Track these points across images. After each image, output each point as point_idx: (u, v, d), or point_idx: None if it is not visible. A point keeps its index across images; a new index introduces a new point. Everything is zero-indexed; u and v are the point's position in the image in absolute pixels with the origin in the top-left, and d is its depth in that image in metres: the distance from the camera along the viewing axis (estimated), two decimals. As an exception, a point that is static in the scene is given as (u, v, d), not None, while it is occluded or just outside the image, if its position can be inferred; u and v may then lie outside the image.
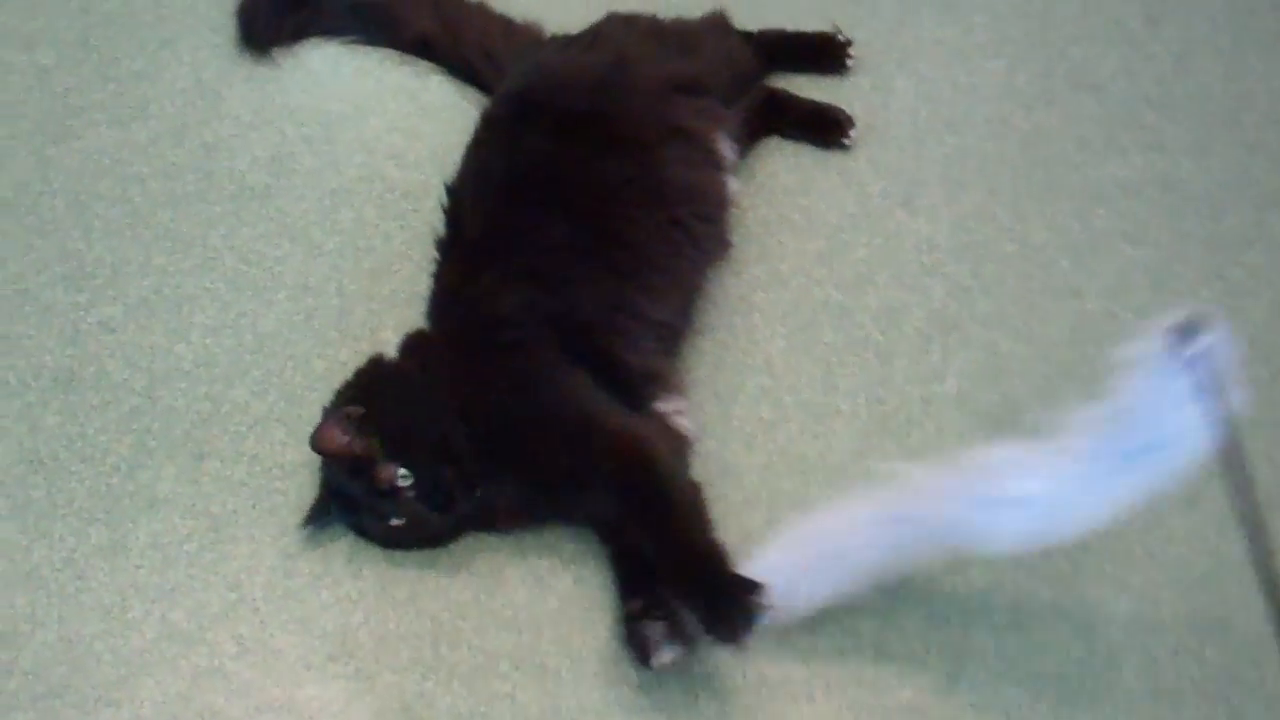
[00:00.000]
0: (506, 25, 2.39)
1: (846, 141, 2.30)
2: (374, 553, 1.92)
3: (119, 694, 1.83)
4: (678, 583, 1.74)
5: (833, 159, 2.30)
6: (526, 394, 1.87)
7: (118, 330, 2.12)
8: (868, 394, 2.07)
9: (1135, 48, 2.44)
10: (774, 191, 2.27)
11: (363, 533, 1.90)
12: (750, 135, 2.27)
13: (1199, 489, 1.86)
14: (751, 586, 1.66)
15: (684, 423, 1.96)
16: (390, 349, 2.03)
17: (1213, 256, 2.20)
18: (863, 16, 2.46)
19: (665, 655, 1.74)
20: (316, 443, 1.81)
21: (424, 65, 2.42)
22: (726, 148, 2.17)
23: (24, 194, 2.27)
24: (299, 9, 2.43)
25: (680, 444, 1.94)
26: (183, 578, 1.92)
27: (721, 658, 1.83)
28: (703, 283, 2.12)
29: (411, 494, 1.82)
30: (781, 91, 2.33)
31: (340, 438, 1.80)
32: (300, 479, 1.98)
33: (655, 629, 1.75)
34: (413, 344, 1.97)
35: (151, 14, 2.48)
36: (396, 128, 2.34)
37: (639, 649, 1.76)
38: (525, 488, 1.87)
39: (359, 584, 1.91)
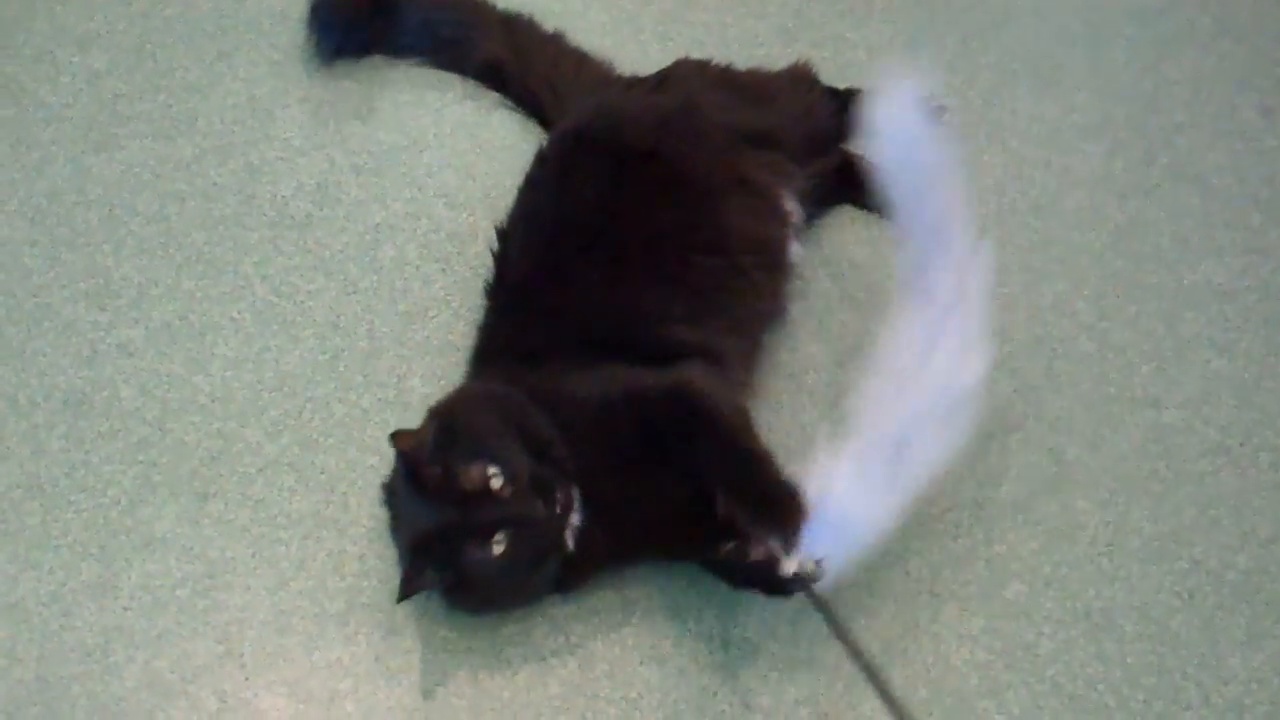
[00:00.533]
0: (579, 60, 2.28)
1: None
2: (371, 619, 1.83)
3: (89, 744, 1.72)
4: (732, 488, 1.68)
5: (906, 235, 2.15)
6: (573, 396, 1.76)
7: (136, 355, 2.03)
8: (918, 494, 1.91)
9: (1247, 141, 2.28)
10: (840, 265, 2.14)
11: (464, 581, 1.71)
12: (821, 200, 2.14)
13: (1263, 628, 1.74)
14: (796, 489, 1.63)
15: None
16: (417, 397, 1.98)
17: (1309, 375, 2.03)
18: (957, 84, 2.33)
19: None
20: (401, 440, 1.69)
21: (486, 102, 2.30)
22: (793, 206, 2.03)
23: (58, 203, 2.18)
24: (375, 19, 2.32)
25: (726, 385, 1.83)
26: (171, 624, 1.83)
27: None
28: (759, 342, 2.00)
29: (509, 492, 1.64)
30: (861, 157, 2.18)
31: (422, 438, 1.69)
32: (304, 529, 1.89)
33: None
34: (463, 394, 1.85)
35: (213, 24, 2.39)
36: (450, 165, 2.23)
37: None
38: (608, 488, 1.72)
39: (352, 649, 1.80)
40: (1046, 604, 1.85)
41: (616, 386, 1.74)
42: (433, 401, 1.84)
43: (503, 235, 1.97)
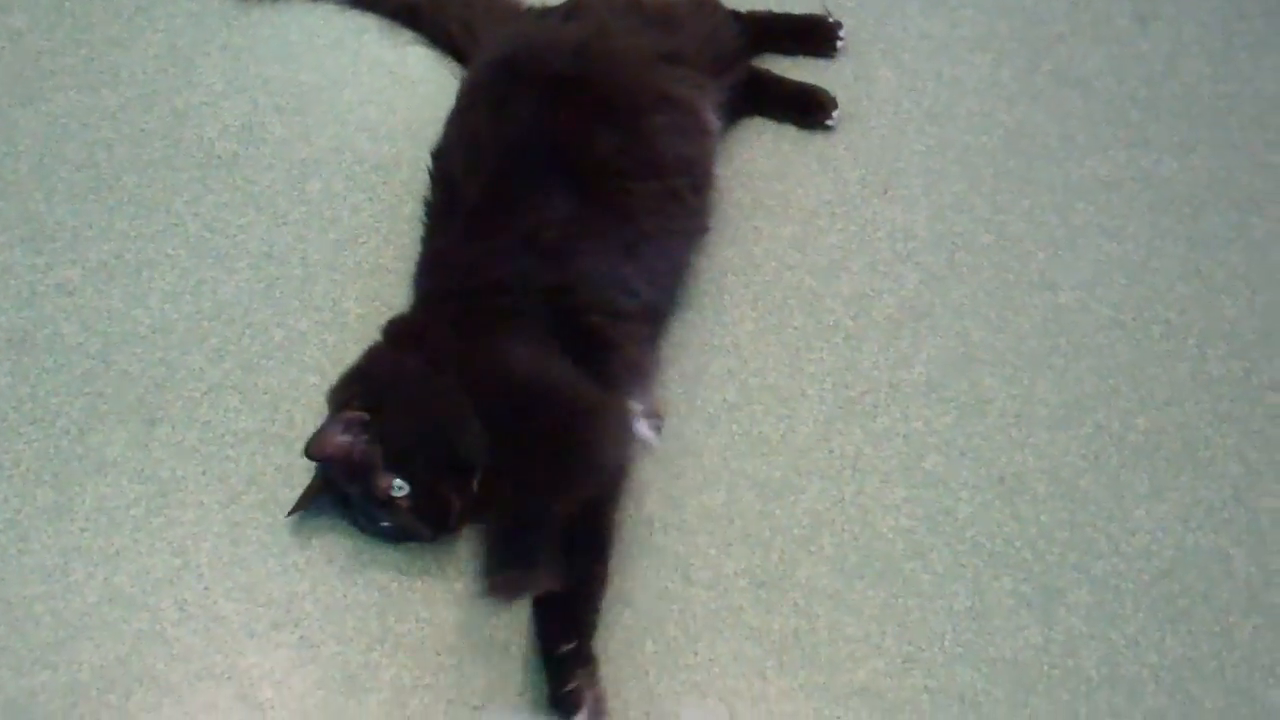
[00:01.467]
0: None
1: (830, 122, 2.27)
2: (323, 523, 1.89)
3: (56, 657, 1.79)
4: (509, 522, 1.70)
5: (812, 145, 2.26)
6: (505, 363, 1.82)
7: (75, 293, 2.08)
8: (835, 379, 2.03)
9: (1123, 46, 2.40)
10: (751, 176, 2.23)
11: (353, 524, 1.84)
12: (732, 113, 2.24)
13: (1164, 481, 1.84)
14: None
15: (648, 432, 1.93)
16: (353, 318, 2.03)
17: (1191, 254, 2.17)
18: (850, 6, 2.42)
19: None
20: (315, 448, 1.74)
21: (402, 39, 2.37)
22: (712, 119, 2.12)
23: (-12, 155, 2.22)
24: None
25: (633, 444, 1.90)
26: (128, 542, 1.88)
27: (674, 632, 1.79)
28: (689, 262, 2.08)
29: (406, 504, 1.75)
30: (765, 71, 2.29)
31: (341, 442, 1.75)
32: (252, 446, 1.95)
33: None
34: (402, 330, 1.90)
35: (128, -20, 2.44)
36: (370, 100, 2.30)
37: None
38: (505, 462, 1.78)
39: (307, 553, 1.87)
40: (962, 472, 1.95)
41: (545, 383, 1.81)
42: (368, 321, 1.97)
43: (440, 160, 2.04)
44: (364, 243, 2.14)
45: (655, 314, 1.99)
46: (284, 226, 2.16)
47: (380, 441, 1.75)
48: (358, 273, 2.11)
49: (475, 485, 1.77)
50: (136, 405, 1.98)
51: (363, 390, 1.80)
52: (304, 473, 1.89)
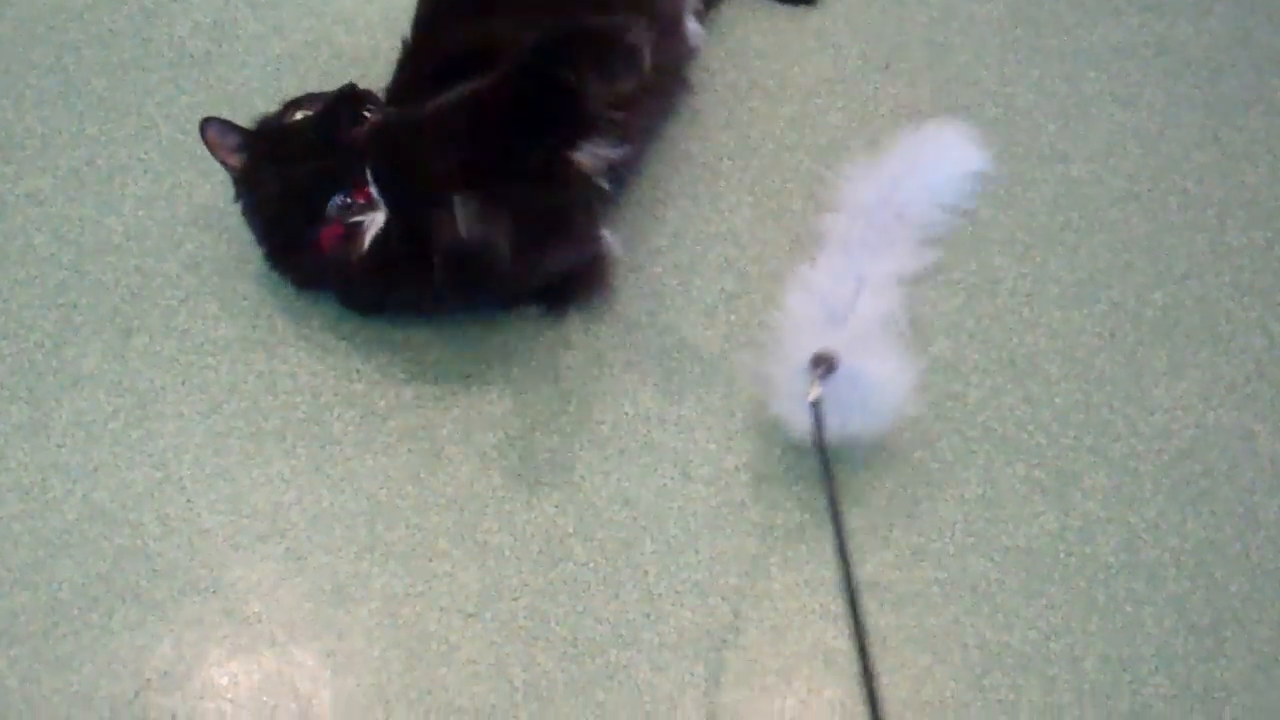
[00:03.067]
0: None
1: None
2: (307, 430, 1.83)
3: (36, 576, 1.74)
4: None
5: (809, 21, 2.18)
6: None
7: (45, 202, 2.01)
8: (837, 264, 1.94)
9: (1135, -96, 2.29)
10: (745, 56, 2.14)
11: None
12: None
13: (1183, 358, 1.76)
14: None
15: (614, 245, 1.87)
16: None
17: (1209, 120, 2.08)
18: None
19: None
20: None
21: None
22: (693, 29, 2.05)
23: (-50, 63, 2.14)
24: None
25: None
26: (107, 456, 1.81)
27: (673, 534, 1.75)
28: (657, 119, 2.01)
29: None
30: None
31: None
32: (232, 354, 1.89)
33: None
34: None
35: (90, -123, 2.34)
36: (345, -9, 2.20)
37: None
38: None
39: (292, 462, 1.80)
40: (972, 356, 1.88)
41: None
42: None
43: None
44: (344, 140, 2.04)
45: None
46: (260, 126, 2.06)
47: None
48: (339, 171, 2.01)
49: None
50: (112, 315, 1.92)
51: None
52: (288, 380, 1.86)
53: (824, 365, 1.66)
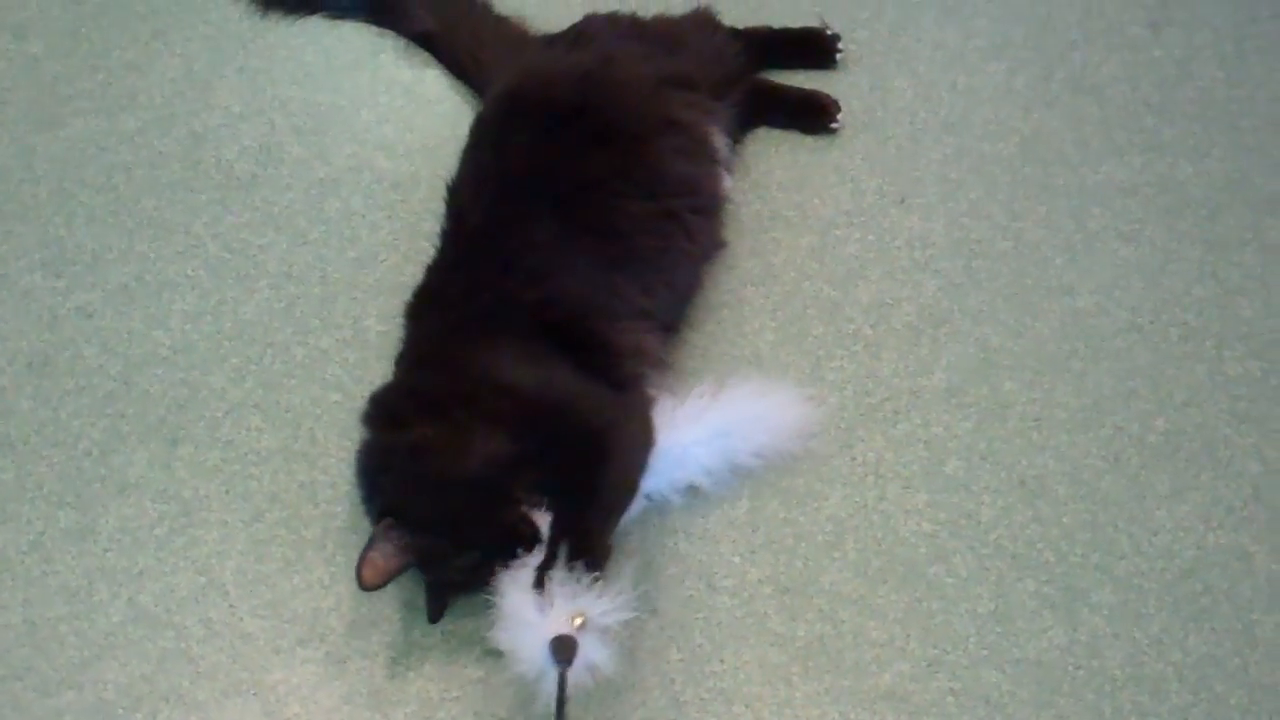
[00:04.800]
0: (498, 23, 2.36)
1: (834, 125, 2.28)
2: (347, 539, 1.90)
3: (82, 677, 1.80)
4: (580, 524, 1.74)
5: (829, 157, 2.27)
6: (507, 380, 1.82)
7: (95, 316, 2.10)
8: (855, 386, 2.04)
9: (1136, 52, 2.41)
10: (769, 188, 2.24)
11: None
12: (741, 128, 2.25)
13: (1184, 482, 1.83)
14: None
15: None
16: (373, 335, 2.07)
17: (1208, 256, 2.17)
18: (865, 18, 2.43)
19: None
20: (365, 577, 1.69)
21: (418, 59, 2.39)
22: (720, 141, 2.14)
23: (6, 180, 2.25)
24: None
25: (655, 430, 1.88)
26: (151, 561, 1.89)
27: (699, 640, 1.81)
28: (697, 280, 2.09)
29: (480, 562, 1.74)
30: (767, 81, 2.32)
31: (391, 559, 1.71)
32: (274, 465, 1.96)
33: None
34: (389, 405, 1.88)
35: (144, 5, 2.46)
36: (388, 120, 2.31)
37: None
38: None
39: (331, 569, 1.88)
40: (984, 476, 1.96)
41: (558, 392, 1.82)
42: (388, 338, 2.02)
43: (452, 194, 2.05)
44: (384, 260, 2.15)
45: (656, 319, 1.99)
46: (303, 246, 2.17)
47: (425, 529, 1.73)
48: (378, 290, 2.12)
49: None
50: (158, 426, 1.99)
51: (383, 496, 1.78)
52: (328, 490, 1.93)
53: (565, 651, 1.62)
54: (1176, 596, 1.88)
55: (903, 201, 2.22)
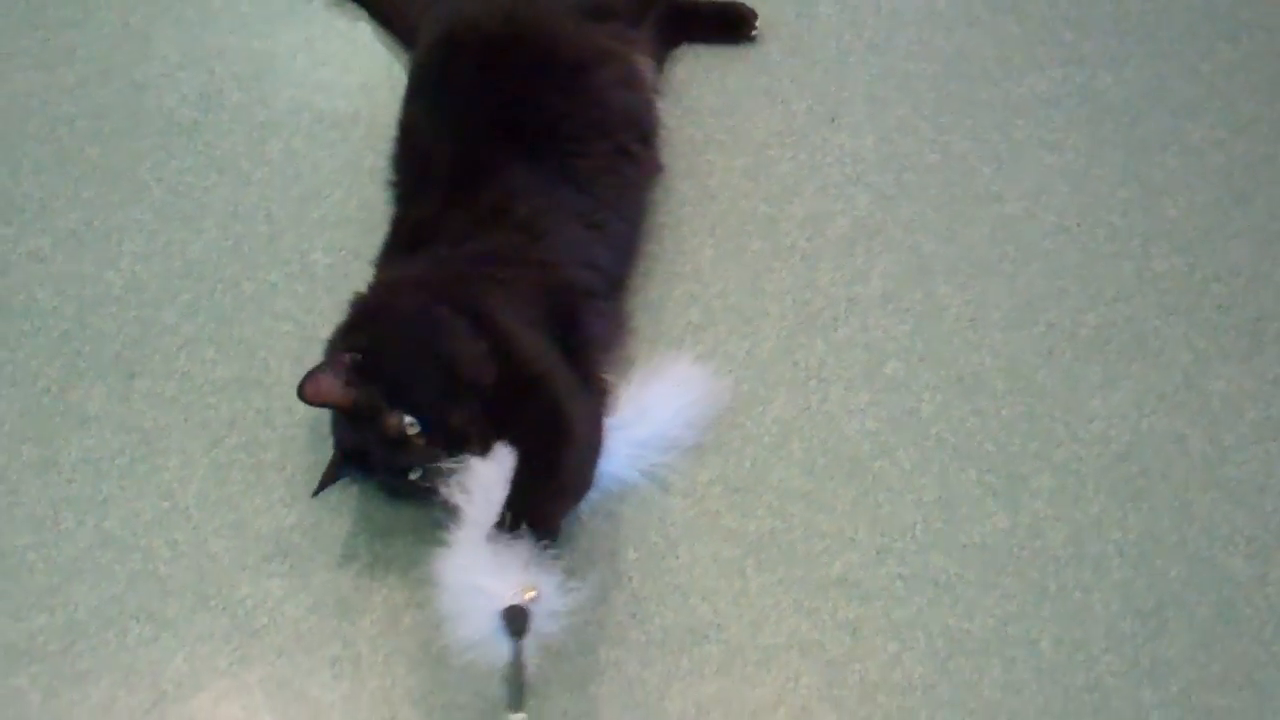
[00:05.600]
0: None
1: (754, 33, 2.36)
2: (307, 459, 1.94)
3: (53, 600, 1.84)
4: (534, 488, 1.72)
5: (759, 82, 2.33)
6: (505, 336, 1.83)
7: (46, 260, 2.13)
8: (794, 296, 2.09)
9: (1053, -28, 2.48)
10: (701, 113, 2.30)
11: (385, 488, 1.87)
12: (663, 49, 2.32)
13: (1117, 371, 1.90)
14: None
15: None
16: (321, 269, 2.10)
17: (1129, 160, 2.24)
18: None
19: None
20: (306, 391, 1.70)
21: (350, 8, 2.42)
22: (648, 68, 2.20)
23: (-50, 136, 2.27)
24: None
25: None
26: (115, 489, 1.92)
27: (654, 539, 1.87)
28: (646, 212, 2.16)
29: (422, 441, 1.74)
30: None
31: (332, 386, 1.72)
32: (230, 393, 2.00)
33: None
34: (394, 284, 1.93)
35: (78, -37, 2.49)
36: (324, 63, 2.36)
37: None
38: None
39: (292, 489, 1.92)
40: (923, 375, 2.02)
41: (545, 362, 1.84)
42: (335, 270, 2.08)
43: (405, 136, 2.11)
44: (327, 196, 2.19)
45: (620, 286, 2.05)
46: (248, 186, 2.21)
47: (379, 380, 1.74)
48: (323, 225, 2.16)
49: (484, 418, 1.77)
50: (114, 361, 2.03)
51: (352, 334, 1.82)
52: (284, 415, 1.95)
53: (518, 623, 1.60)
54: (1114, 479, 1.94)
55: (832, 120, 2.28)
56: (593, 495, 1.83)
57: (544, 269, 1.92)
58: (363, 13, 2.44)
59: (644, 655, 1.80)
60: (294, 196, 2.19)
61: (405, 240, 1.99)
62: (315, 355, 1.90)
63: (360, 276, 2.03)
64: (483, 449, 1.73)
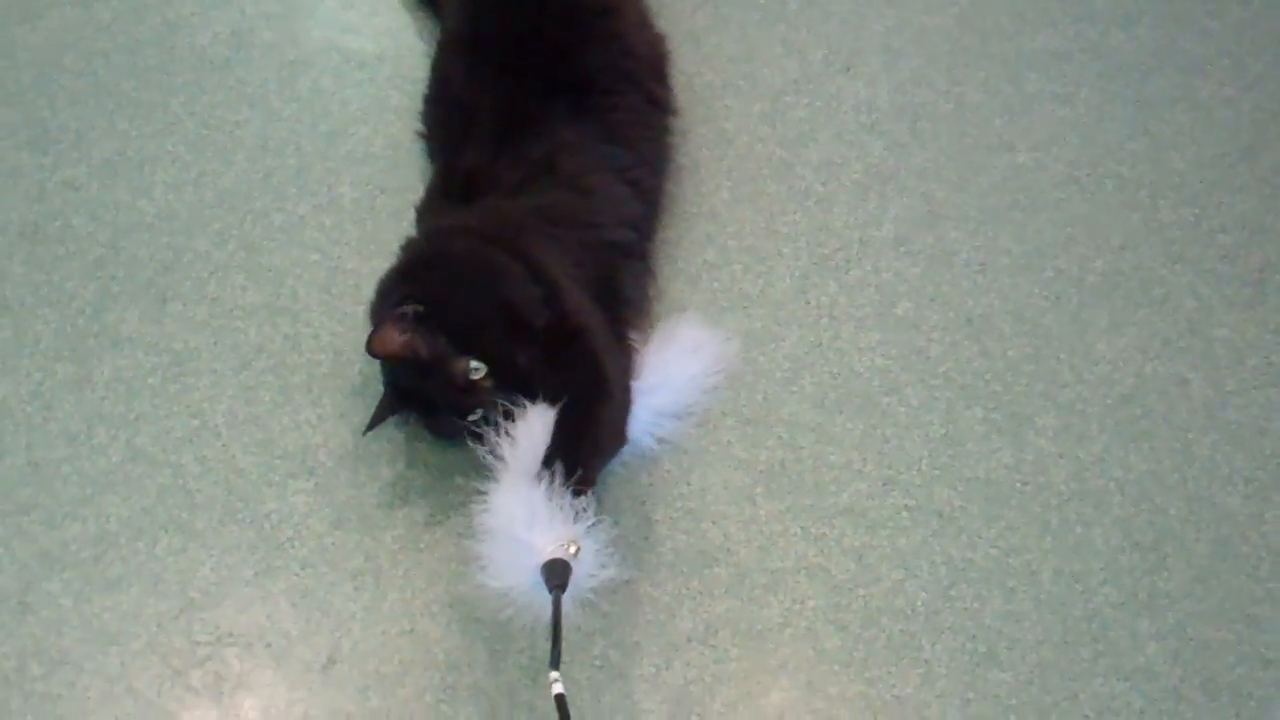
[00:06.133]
0: None
1: None
2: (332, 383, 2.00)
3: (85, 510, 1.90)
4: (570, 442, 1.76)
5: (777, 30, 2.38)
6: (556, 281, 1.88)
7: (82, 189, 2.18)
8: (808, 238, 2.15)
9: (1067, -68, 2.53)
10: (719, 60, 2.35)
11: (439, 434, 1.91)
12: None
13: (1123, 317, 1.96)
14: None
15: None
16: (348, 201, 2.16)
17: (1139, 115, 2.29)
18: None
19: None
20: (375, 347, 1.74)
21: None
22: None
23: (-9, 68, 2.33)
24: None
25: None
26: (147, 408, 1.98)
27: (668, 466, 1.93)
28: (672, 167, 2.21)
29: (489, 384, 1.78)
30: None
31: (399, 338, 1.75)
32: (259, 318, 2.06)
33: None
34: (452, 230, 1.96)
35: (114, -96, 2.54)
36: (352, 6, 2.41)
37: None
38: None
39: (318, 410, 1.97)
40: (932, 316, 2.07)
41: (592, 320, 1.88)
42: (361, 204, 2.15)
43: (441, 82, 2.16)
44: (354, 133, 2.25)
45: (651, 242, 2.10)
46: (278, 122, 2.26)
47: (443, 330, 1.78)
48: (350, 160, 2.22)
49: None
50: (147, 286, 2.09)
51: (410, 283, 1.85)
52: (311, 341, 2.02)
53: (558, 576, 1.63)
54: (1118, 419, 1.99)
55: (848, 70, 2.34)
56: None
57: (590, 229, 1.96)
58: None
59: (655, 576, 1.86)
60: (322, 132, 2.24)
61: (459, 189, 2.01)
62: (341, 285, 2.00)
63: (385, 210, 2.14)
64: (545, 392, 1.78)
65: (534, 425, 1.75)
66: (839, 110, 2.28)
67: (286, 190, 2.18)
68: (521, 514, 1.65)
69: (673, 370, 1.94)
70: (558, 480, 1.67)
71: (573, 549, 1.63)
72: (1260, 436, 1.97)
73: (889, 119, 2.27)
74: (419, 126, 2.19)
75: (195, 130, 2.25)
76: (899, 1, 2.42)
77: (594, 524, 1.68)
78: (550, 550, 1.62)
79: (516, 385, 1.78)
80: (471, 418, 1.80)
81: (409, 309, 1.77)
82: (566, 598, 1.63)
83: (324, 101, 2.28)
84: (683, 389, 1.95)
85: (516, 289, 1.82)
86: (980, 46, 2.36)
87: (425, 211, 2.05)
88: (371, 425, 1.87)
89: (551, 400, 1.77)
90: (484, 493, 1.73)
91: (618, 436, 1.85)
